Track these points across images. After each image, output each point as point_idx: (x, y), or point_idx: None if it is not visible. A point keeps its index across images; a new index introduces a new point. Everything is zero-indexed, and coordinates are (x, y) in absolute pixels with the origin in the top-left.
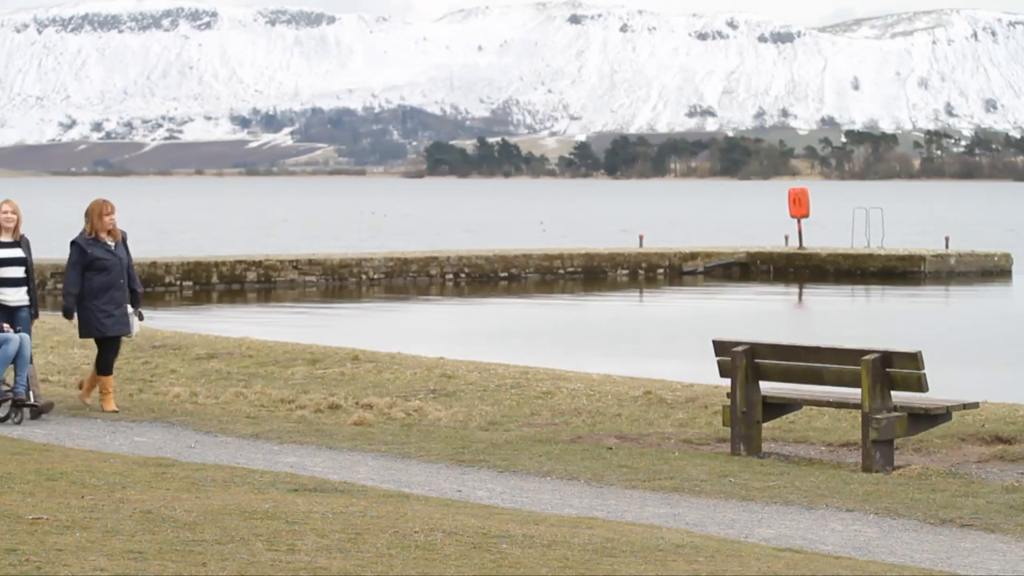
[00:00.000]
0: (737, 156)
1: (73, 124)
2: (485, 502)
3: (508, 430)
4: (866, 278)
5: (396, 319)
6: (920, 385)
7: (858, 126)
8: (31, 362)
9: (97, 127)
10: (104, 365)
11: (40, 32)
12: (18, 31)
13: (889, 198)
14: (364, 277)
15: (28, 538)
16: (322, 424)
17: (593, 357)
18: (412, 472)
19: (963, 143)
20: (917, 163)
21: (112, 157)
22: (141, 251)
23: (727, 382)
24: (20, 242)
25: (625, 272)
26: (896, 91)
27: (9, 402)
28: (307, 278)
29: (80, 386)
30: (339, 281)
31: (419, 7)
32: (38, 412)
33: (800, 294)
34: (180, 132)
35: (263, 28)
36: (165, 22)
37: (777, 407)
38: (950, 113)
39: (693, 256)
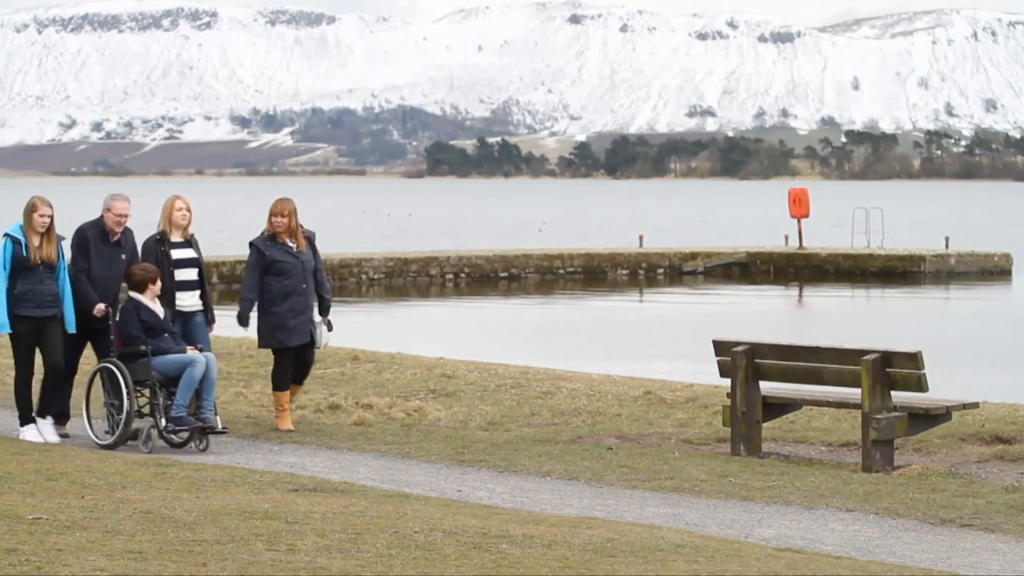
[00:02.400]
0: (737, 156)
1: (73, 124)
2: (485, 502)
3: (508, 430)
4: (866, 278)
5: (396, 319)
6: (920, 385)
7: (858, 126)
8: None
9: (97, 127)
10: (279, 379)
11: (40, 32)
12: (18, 31)
13: (889, 198)
14: (364, 277)
15: (28, 538)
16: (322, 424)
17: (593, 357)
18: (412, 472)
19: (963, 143)
20: (917, 163)
21: (112, 157)
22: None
23: (727, 382)
24: (191, 242)
25: (625, 272)
26: (896, 91)
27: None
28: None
29: (277, 423)
30: (339, 281)
31: (419, 7)
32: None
33: (800, 294)
34: (180, 132)
35: (263, 28)
36: (165, 22)
37: (777, 407)
38: (950, 113)
39: (693, 256)
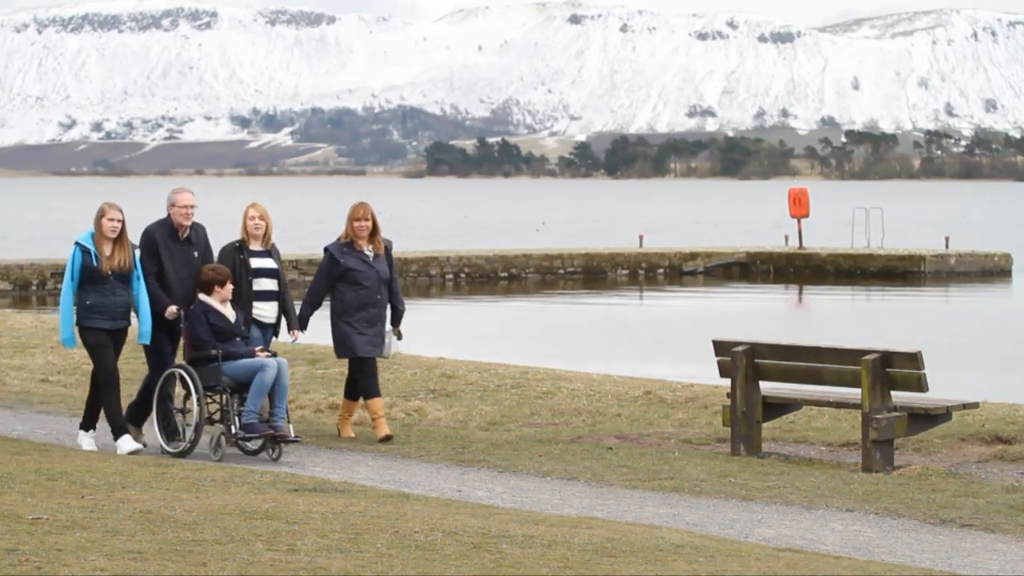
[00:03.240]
0: (737, 156)
1: (73, 124)
2: (485, 502)
3: (508, 430)
4: (866, 278)
5: None
6: (920, 385)
7: (858, 126)
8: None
9: (97, 127)
10: (361, 388)
11: (40, 32)
12: (18, 31)
13: (889, 198)
14: None
15: (28, 538)
16: (322, 424)
17: (593, 357)
18: (412, 472)
19: (963, 143)
20: (917, 163)
21: (112, 157)
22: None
23: (727, 382)
24: (271, 251)
25: (625, 272)
26: (896, 91)
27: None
28: (307, 278)
29: (339, 432)
30: None
31: (419, 7)
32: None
33: (800, 294)
34: (180, 132)
35: (263, 28)
36: (165, 22)
37: (777, 407)
38: (950, 113)
39: (693, 256)
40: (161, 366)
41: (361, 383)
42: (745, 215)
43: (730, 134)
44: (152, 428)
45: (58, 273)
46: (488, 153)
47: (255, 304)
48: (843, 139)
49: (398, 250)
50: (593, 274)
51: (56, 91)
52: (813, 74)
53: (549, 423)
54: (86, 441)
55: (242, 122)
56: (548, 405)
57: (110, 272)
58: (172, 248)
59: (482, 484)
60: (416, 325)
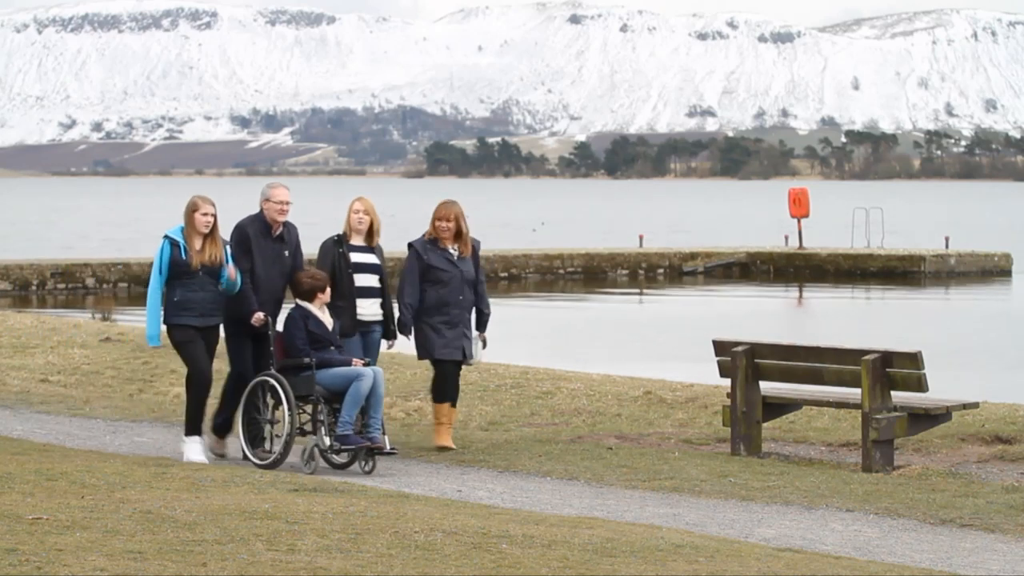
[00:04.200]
0: (737, 156)
1: (73, 124)
2: (485, 502)
3: (508, 430)
4: (866, 278)
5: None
6: (920, 385)
7: (858, 126)
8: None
9: (97, 127)
10: (440, 390)
11: (40, 32)
12: (18, 31)
13: (889, 198)
14: None
15: (28, 538)
16: None
17: (593, 357)
18: (412, 472)
19: (963, 143)
20: (917, 163)
21: (112, 157)
22: (141, 251)
23: (727, 382)
24: (375, 248)
25: (625, 272)
26: (896, 91)
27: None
28: None
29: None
30: None
31: (419, 7)
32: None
33: (800, 294)
34: (180, 132)
35: (263, 28)
36: (165, 22)
37: (777, 407)
38: (950, 113)
39: (693, 256)
40: (242, 366)
41: (437, 384)
42: (745, 215)
43: (730, 134)
44: (238, 439)
45: (58, 273)
46: (488, 153)
47: (357, 301)
48: (843, 139)
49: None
50: (593, 274)
51: (56, 91)
52: (813, 74)
53: (549, 423)
54: (193, 449)
55: (242, 122)
56: (548, 405)
57: (200, 267)
58: (264, 245)
59: (482, 484)
60: None
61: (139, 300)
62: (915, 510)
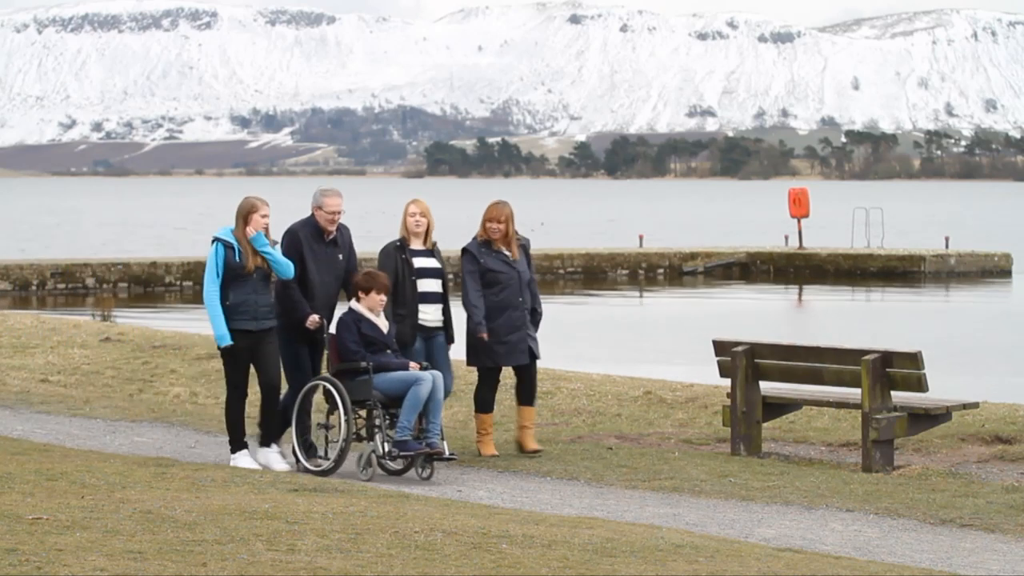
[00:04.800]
0: (737, 156)
1: (73, 124)
2: (485, 502)
3: (508, 430)
4: (866, 278)
5: None
6: (920, 385)
7: (858, 126)
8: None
9: (97, 127)
10: (484, 400)
11: (40, 32)
12: (18, 31)
13: (889, 198)
14: None
15: (28, 538)
16: None
17: (593, 357)
18: (412, 472)
19: (963, 143)
20: (917, 163)
21: (112, 157)
22: (141, 251)
23: (727, 382)
24: (433, 250)
25: (625, 272)
26: (896, 91)
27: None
28: None
29: (479, 448)
30: None
31: (419, 7)
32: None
33: (800, 294)
34: (180, 132)
35: (263, 28)
36: (165, 22)
37: (777, 407)
38: (950, 113)
39: (693, 256)
40: (301, 378)
41: (482, 393)
42: (745, 215)
43: (730, 134)
44: (291, 444)
45: (58, 273)
46: (488, 153)
47: (420, 307)
48: (843, 139)
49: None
50: (593, 274)
51: (56, 91)
52: (813, 74)
53: (549, 423)
54: (274, 459)
55: (242, 122)
56: (548, 405)
57: (254, 269)
58: (317, 249)
59: (482, 484)
60: None
61: (139, 300)
62: (915, 510)
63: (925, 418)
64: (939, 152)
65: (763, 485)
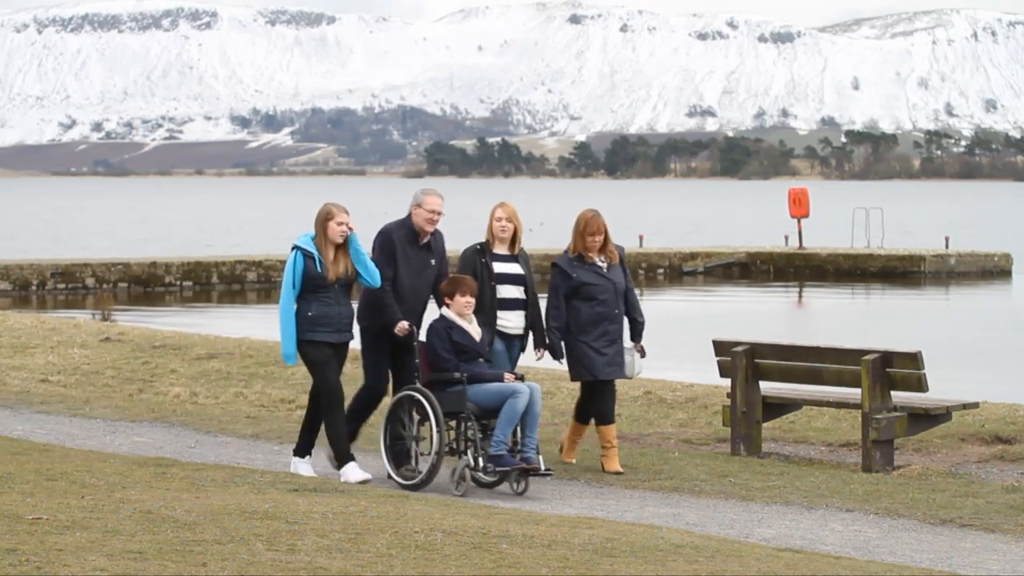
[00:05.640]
0: (737, 156)
1: (73, 124)
2: (485, 502)
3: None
4: (866, 278)
5: None
6: (920, 385)
7: (858, 126)
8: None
9: (97, 127)
10: (598, 412)
11: (40, 32)
12: (18, 31)
13: (889, 198)
14: None
15: (28, 538)
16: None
17: None
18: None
19: (963, 143)
20: (917, 163)
21: (112, 157)
22: (140, 251)
23: (727, 382)
24: (518, 256)
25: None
26: (896, 91)
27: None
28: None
29: (560, 448)
30: None
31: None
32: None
33: (800, 294)
34: (180, 132)
35: (263, 28)
36: (165, 22)
37: (777, 407)
38: (950, 113)
39: (693, 256)
40: (377, 384)
41: (600, 407)
42: (745, 215)
43: (730, 134)
44: (380, 456)
45: (58, 273)
46: (488, 153)
47: (499, 313)
48: (843, 139)
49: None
50: None
51: (56, 91)
52: (813, 74)
53: (549, 423)
54: (303, 467)
55: (242, 122)
56: (548, 405)
57: (336, 279)
58: (410, 253)
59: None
60: None
61: (139, 300)
62: (915, 510)
63: (925, 418)
64: (939, 152)
65: (763, 485)
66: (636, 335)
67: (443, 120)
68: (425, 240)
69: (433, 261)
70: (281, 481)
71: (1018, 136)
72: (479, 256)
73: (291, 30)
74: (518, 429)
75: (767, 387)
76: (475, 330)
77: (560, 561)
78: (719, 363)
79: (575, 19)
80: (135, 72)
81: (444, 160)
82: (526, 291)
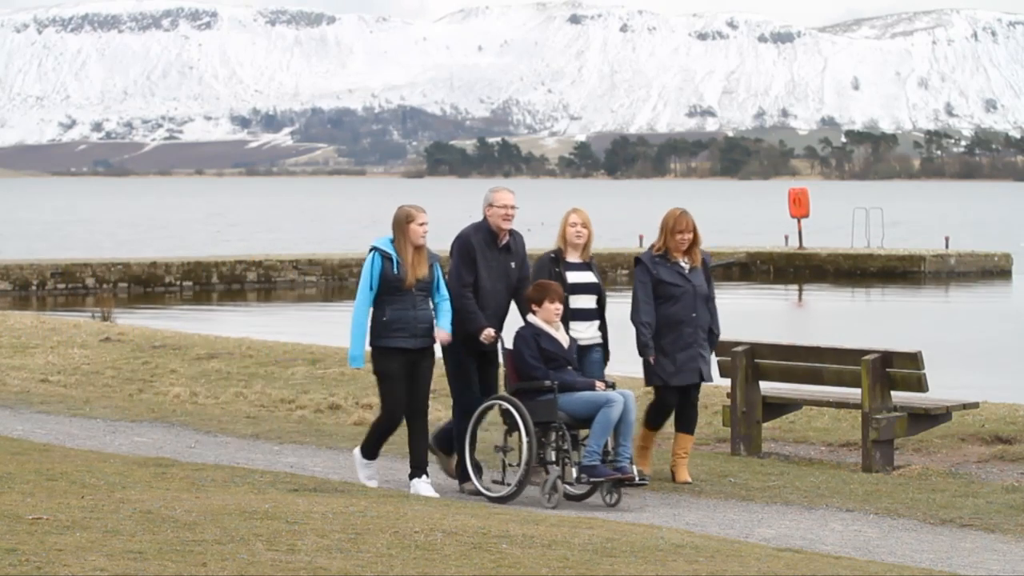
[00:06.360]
0: (737, 156)
1: (73, 124)
2: (485, 502)
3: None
4: (866, 278)
5: None
6: (920, 385)
7: (858, 126)
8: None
9: (97, 127)
10: (653, 416)
11: (40, 32)
12: (18, 31)
13: (889, 198)
14: None
15: (28, 538)
16: (322, 424)
17: None
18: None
19: (963, 143)
20: (917, 163)
21: (112, 157)
22: (140, 251)
23: (727, 382)
24: (591, 264)
25: (625, 272)
26: (896, 91)
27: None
28: (307, 278)
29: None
30: (339, 281)
31: (419, 7)
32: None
33: (800, 294)
34: (180, 132)
35: (263, 28)
36: (165, 22)
37: (777, 407)
38: (950, 113)
39: None
40: (469, 396)
41: (653, 408)
42: (745, 215)
43: (730, 134)
44: (466, 468)
45: (58, 273)
46: (488, 153)
47: (572, 324)
48: (843, 139)
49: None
50: None
51: (56, 91)
52: (813, 74)
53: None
54: (423, 488)
55: (242, 122)
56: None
57: (415, 282)
58: (489, 256)
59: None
60: None
61: (139, 300)
62: (915, 510)
63: (925, 418)
64: (939, 152)
65: (763, 485)
66: (710, 346)
67: (443, 120)
68: (504, 241)
69: (514, 264)
70: (281, 481)
71: (1018, 136)
72: (553, 265)
73: (291, 30)
74: (610, 439)
75: (767, 387)
76: (563, 337)
77: (560, 561)
78: (719, 363)
79: (575, 19)
80: (135, 72)
81: (444, 160)
82: (599, 300)
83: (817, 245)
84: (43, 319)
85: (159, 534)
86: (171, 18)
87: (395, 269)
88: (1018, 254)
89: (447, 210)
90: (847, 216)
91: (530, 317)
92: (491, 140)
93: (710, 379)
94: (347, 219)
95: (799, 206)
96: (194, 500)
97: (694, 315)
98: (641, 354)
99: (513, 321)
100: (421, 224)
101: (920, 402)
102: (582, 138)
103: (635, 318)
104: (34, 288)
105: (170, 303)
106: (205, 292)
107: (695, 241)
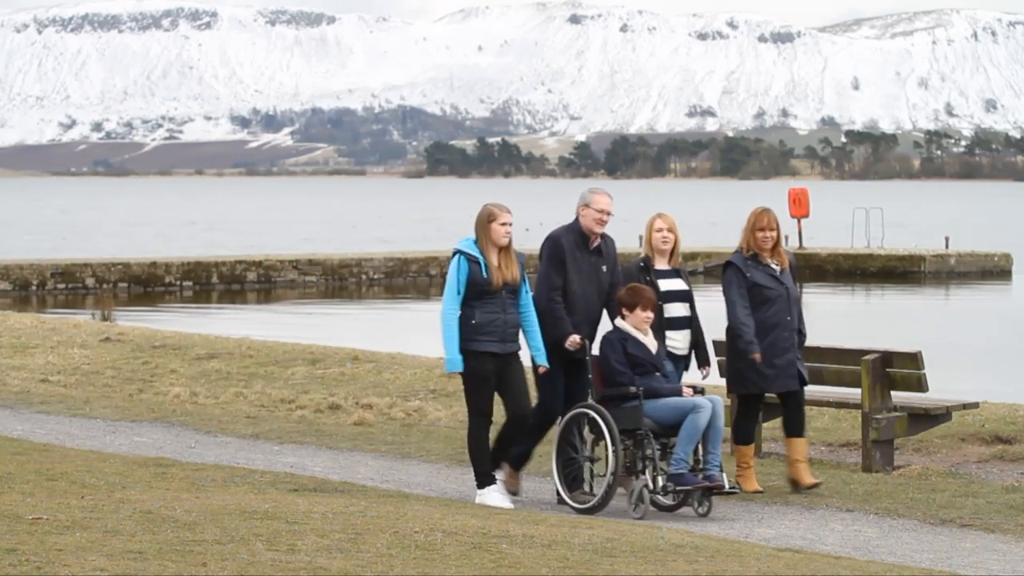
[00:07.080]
0: (737, 156)
1: (73, 124)
2: (488, 504)
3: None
4: (866, 278)
5: (396, 319)
6: (920, 385)
7: (858, 126)
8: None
9: (97, 127)
10: (744, 429)
11: (40, 32)
12: (18, 31)
13: (889, 198)
14: (364, 277)
15: (28, 538)
16: (322, 424)
17: None
18: (412, 472)
19: (963, 143)
20: (917, 163)
21: (112, 157)
22: (140, 251)
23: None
24: (680, 271)
25: None
26: (896, 91)
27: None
28: (307, 278)
29: (741, 484)
30: (339, 281)
31: (419, 7)
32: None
33: (800, 294)
34: (180, 132)
35: (263, 28)
36: (165, 22)
37: (778, 407)
38: (950, 113)
39: (693, 256)
40: (553, 401)
41: (740, 422)
42: (745, 215)
43: (730, 134)
44: (553, 478)
45: (58, 273)
46: (488, 153)
47: (667, 333)
48: (843, 139)
49: (396, 250)
50: None
51: (56, 91)
52: (813, 74)
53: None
54: (492, 497)
55: (242, 122)
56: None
57: (503, 284)
58: (580, 259)
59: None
60: (416, 325)
61: (139, 300)
62: (915, 510)
63: (925, 418)
64: (939, 152)
65: (763, 485)
66: (799, 346)
67: (443, 120)
68: (595, 244)
69: (605, 267)
70: (281, 481)
71: (1018, 136)
72: (643, 274)
73: (291, 30)
74: (699, 446)
75: None
76: (651, 342)
77: (560, 561)
78: (719, 363)
79: (575, 19)
80: (135, 72)
81: (444, 160)
82: (691, 307)
83: (817, 245)
84: (43, 319)
85: (159, 534)
86: (171, 18)
87: (483, 272)
88: (1018, 254)
89: (448, 210)
90: (847, 216)
91: (618, 321)
92: (491, 140)
93: (807, 381)
94: (350, 219)
95: (799, 206)
96: (194, 500)
97: (789, 318)
98: (746, 354)
99: (605, 328)
100: (503, 224)
101: (920, 402)
102: (582, 138)
103: (734, 320)
104: (34, 288)
105: (170, 303)
106: (205, 292)
107: (779, 239)
